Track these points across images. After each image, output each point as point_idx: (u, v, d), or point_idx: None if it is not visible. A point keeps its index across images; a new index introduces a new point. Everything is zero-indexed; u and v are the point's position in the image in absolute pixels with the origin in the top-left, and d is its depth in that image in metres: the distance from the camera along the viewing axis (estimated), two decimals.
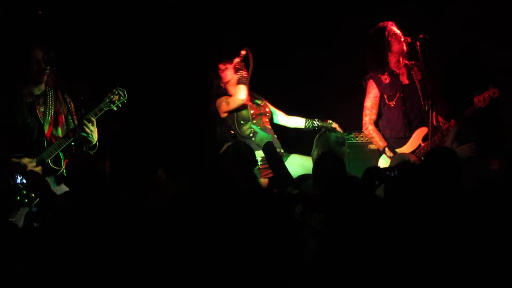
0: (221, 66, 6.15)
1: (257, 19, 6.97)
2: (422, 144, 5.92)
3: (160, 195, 4.33)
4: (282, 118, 6.35)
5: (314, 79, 7.01)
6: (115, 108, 5.34)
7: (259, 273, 3.39)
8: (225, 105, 6.07)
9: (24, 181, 4.78)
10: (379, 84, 5.98)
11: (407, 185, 3.71)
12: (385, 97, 5.98)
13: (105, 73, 6.76)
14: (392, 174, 3.95)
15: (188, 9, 7.03)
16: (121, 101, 5.36)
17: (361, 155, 6.55)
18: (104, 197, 3.91)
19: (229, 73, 6.13)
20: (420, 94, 5.98)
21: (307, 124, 6.22)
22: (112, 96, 5.33)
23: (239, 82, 6.03)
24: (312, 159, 5.08)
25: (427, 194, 3.61)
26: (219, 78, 6.17)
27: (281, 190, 4.33)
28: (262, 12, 6.99)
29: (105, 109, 5.33)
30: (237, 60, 6.10)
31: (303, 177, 5.23)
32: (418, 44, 5.80)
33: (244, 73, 6.06)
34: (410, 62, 6.07)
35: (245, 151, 4.81)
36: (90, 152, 5.20)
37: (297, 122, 6.29)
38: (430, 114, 5.70)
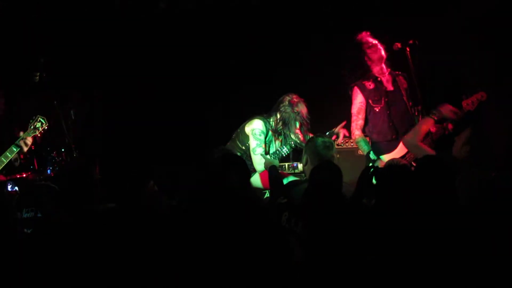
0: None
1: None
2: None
3: (150, 204, 4.33)
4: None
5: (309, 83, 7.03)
6: (39, 135, 5.68)
7: (248, 276, 3.40)
8: (252, 140, 5.93)
9: (16, 188, 4.80)
10: (363, 90, 6.04)
11: (398, 186, 3.76)
12: (370, 102, 6.03)
13: (95, 79, 6.76)
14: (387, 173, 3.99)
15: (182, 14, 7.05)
16: (43, 127, 5.68)
17: (351, 159, 6.58)
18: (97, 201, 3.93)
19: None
20: (406, 100, 6.02)
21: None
22: (34, 122, 5.66)
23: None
24: (302, 165, 5.10)
25: (416, 200, 3.63)
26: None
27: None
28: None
29: (30, 135, 5.62)
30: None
31: (296, 182, 5.25)
32: (408, 49, 5.83)
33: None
34: (396, 71, 6.13)
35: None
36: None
37: None
38: (420, 119, 5.76)
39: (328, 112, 6.74)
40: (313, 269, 3.52)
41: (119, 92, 7.00)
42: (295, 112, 5.86)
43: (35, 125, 5.69)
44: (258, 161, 5.83)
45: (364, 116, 6.04)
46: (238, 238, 3.50)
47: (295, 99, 5.91)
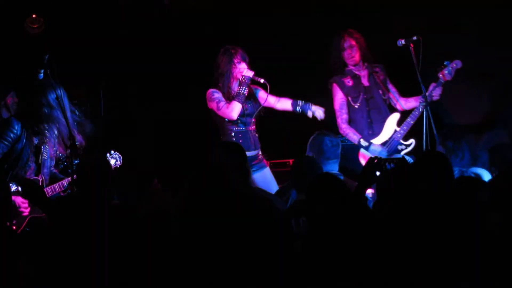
0: (237, 59, 5.87)
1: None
2: (398, 129, 6.05)
3: (153, 202, 4.35)
4: (272, 100, 6.06)
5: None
6: None
7: (251, 273, 3.41)
8: (215, 106, 5.87)
9: (19, 188, 4.81)
10: (342, 87, 6.18)
11: (399, 180, 3.79)
12: (350, 99, 6.18)
13: (99, 76, 6.77)
14: (390, 166, 4.01)
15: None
16: None
17: (354, 156, 6.60)
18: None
19: (241, 69, 5.87)
20: (381, 93, 6.19)
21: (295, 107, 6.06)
22: None
23: (236, 97, 5.83)
24: None
25: (416, 194, 3.64)
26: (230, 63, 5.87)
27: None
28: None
29: None
30: (250, 73, 5.85)
31: (282, 191, 5.23)
32: (412, 46, 5.88)
33: (246, 91, 5.85)
34: (374, 64, 6.26)
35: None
36: None
37: (285, 104, 6.07)
38: (425, 114, 5.81)
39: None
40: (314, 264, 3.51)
41: (124, 88, 7.01)
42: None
43: None
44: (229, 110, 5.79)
45: (347, 110, 6.18)
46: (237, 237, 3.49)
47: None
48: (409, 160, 5.49)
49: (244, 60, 5.87)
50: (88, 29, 6.81)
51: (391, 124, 6.08)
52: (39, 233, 4.38)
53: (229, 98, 5.86)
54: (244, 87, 5.82)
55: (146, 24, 7.00)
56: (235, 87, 5.89)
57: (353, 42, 6.13)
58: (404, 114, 6.09)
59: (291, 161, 6.39)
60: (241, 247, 3.44)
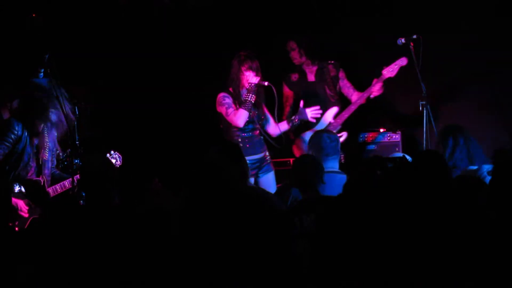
0: (245, 66, 5.91)
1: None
2: (332, 121, 6.29)
3: (154, 201, 4.34)
4: (272, 129, 6.18)
5: None
6: None
7: (254, 271, 3.41)
8: (223, 111, 5.92)
9: (22, 189, 4.82)
10: (288, 82, 6.61)
11: (398, 179, 3.77)
12: (293, 93, 6.59)
13: (100, 75, 6.77)
14: (390, 165, 4.00)
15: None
16: None
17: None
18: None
19: (248, 76, 5.92)
20: (327, 89, 6.52)
21: (289, 121, 6.23)
22: None
23: (243, 104, 5.88)
24: None
25: (415, 192, 3.64)
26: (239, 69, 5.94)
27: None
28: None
29: None
30: (255, 80, 5.89)
31: (281, 190, 5.24)
32: (412, 44, 5.91)
33: (252, 98, 5.88)
34: (328, 61, 6.58)
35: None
36: None
37: (282, 127, 6.18)
38: (425, 112, 5.87)
39: None
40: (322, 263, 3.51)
41: (124, 88, 7.00)
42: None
43: None
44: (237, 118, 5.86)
45: (291, 102, 6.57)
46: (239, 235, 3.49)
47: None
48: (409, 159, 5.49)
49: (251, 68, 5.89)
50: (89, 29, 6.79)
51: (327, 117, 6.31)
52: (40, 234, 4.37)
53: (239, 103, 5.92)
54: (251, 95, 5.86)
55: (146, 23, 6.99)
56: (243, 93, 5.93)
57: (294, 46, 6.49)
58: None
59: (291, 160, 6.39)
60: (243, 246, 3.44)
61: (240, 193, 3.67)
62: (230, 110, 5.88)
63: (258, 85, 5.89)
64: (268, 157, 6.10)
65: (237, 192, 3.66)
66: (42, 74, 5.34)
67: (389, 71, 6.15)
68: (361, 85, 6.42)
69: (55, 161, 5.31)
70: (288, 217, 3.96)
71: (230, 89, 5.97)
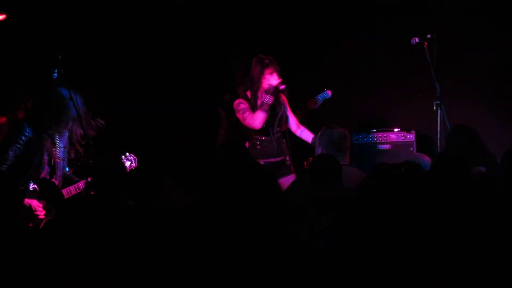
0: (269, 70, 5.90)
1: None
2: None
3: (168, 200, 4.35)
4: (293, 126, 6.16)
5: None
6: None
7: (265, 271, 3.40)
8: (240, 117, 5.92)
9: (36, 187, 4.82)
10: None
11: (411, 185, 3.74)
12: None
13: (112, 76, 6.79)
14: (400, 171, 3.96)
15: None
16: None
17: (370, 154, 6.62)
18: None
19: (270, 79, 5.91)
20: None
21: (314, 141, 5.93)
22: None
23: (260, 106, 5.87)
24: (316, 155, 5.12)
25: (430, 197, 3.62)
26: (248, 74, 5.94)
27: None
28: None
29: None
30: (275, 82, 5.88)
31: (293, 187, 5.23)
32: (426, 44, 5.87)
33: (270, 100, 5.86)
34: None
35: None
36: None
37: (305, 135, 6.11)
38: (439, 112, 5.84)
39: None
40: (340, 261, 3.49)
41: (135, 88, 7.03)
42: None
43: None
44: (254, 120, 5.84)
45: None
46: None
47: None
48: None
49: (276, 71, 5.89)
50: (101, 29, 6.82)
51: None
52: (54, 235, 4.38)
53: (256, 107, 5.91)
54: (269, 96, 5.84)
55: (157, 24, 7.01)
56: (262, 95, 5.92)
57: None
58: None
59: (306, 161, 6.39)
60: (256, 247, 3.44)
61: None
62: (247, 114, 5.87)
63: (276, 88, 5.88)
64: (288, 162, 6.05)
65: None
66: (56, 74, 5.35)
67: (313, 103, 6.11)
68: None
69: (66, 162, 5.32)
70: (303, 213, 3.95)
71: (247, 93, 5.97)
